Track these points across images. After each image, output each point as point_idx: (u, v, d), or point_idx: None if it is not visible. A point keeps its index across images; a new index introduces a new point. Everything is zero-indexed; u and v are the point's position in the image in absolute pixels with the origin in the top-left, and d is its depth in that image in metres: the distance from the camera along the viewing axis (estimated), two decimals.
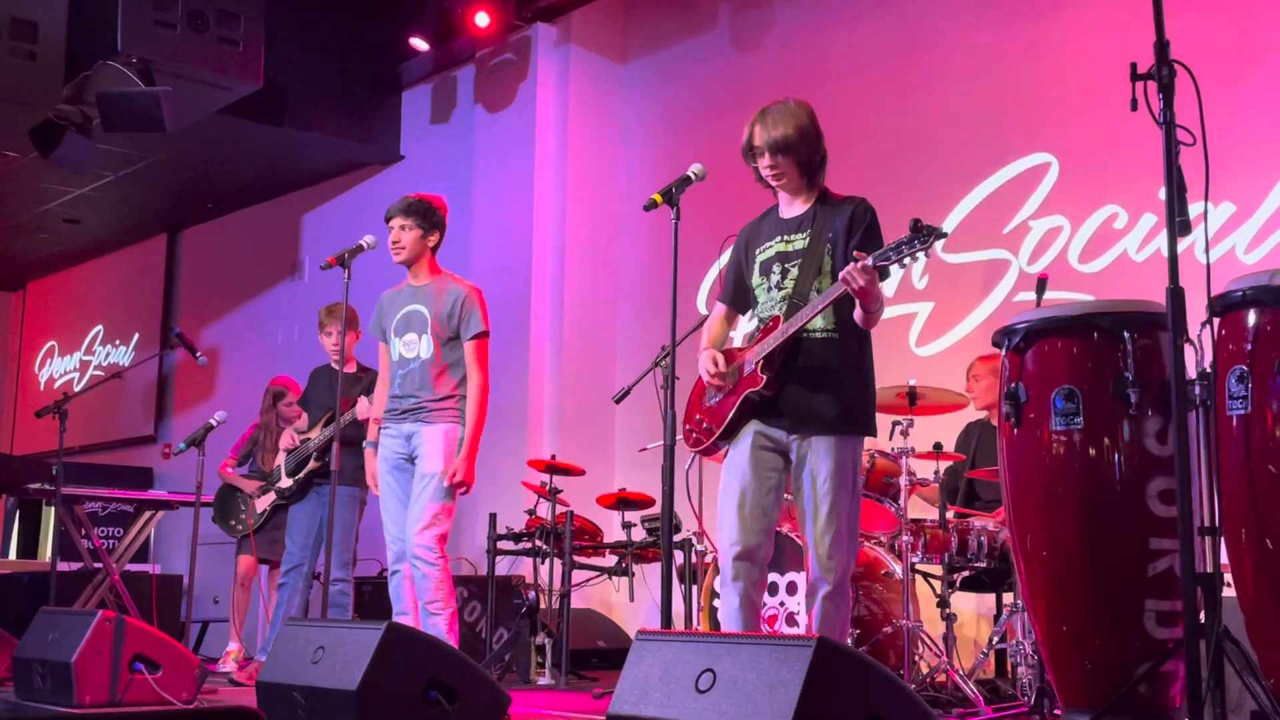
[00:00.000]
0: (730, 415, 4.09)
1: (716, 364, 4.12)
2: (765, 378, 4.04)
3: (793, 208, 4.24)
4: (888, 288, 7.54)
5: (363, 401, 6.49)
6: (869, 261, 3.80)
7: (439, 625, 5.16)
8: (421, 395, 5.43)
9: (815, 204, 4.19)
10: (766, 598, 5.83)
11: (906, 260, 3.75)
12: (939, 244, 3.88)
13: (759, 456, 4.11)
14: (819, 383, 4.04)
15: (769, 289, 4.19)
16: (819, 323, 4.03)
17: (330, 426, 6.72)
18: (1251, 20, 6.32)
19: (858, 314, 4.00)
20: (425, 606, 5.21)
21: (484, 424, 5.46)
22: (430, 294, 5.51)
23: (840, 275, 3.86)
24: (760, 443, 4.12)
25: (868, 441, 5.92)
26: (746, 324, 4.40)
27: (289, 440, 6.97)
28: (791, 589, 5.68)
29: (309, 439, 6.86)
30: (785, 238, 4.19)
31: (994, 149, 7.19)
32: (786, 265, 4.16)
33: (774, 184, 4.18)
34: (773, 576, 5.70)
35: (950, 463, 5.97)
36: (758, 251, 4.26)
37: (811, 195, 4.21)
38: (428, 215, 5.54)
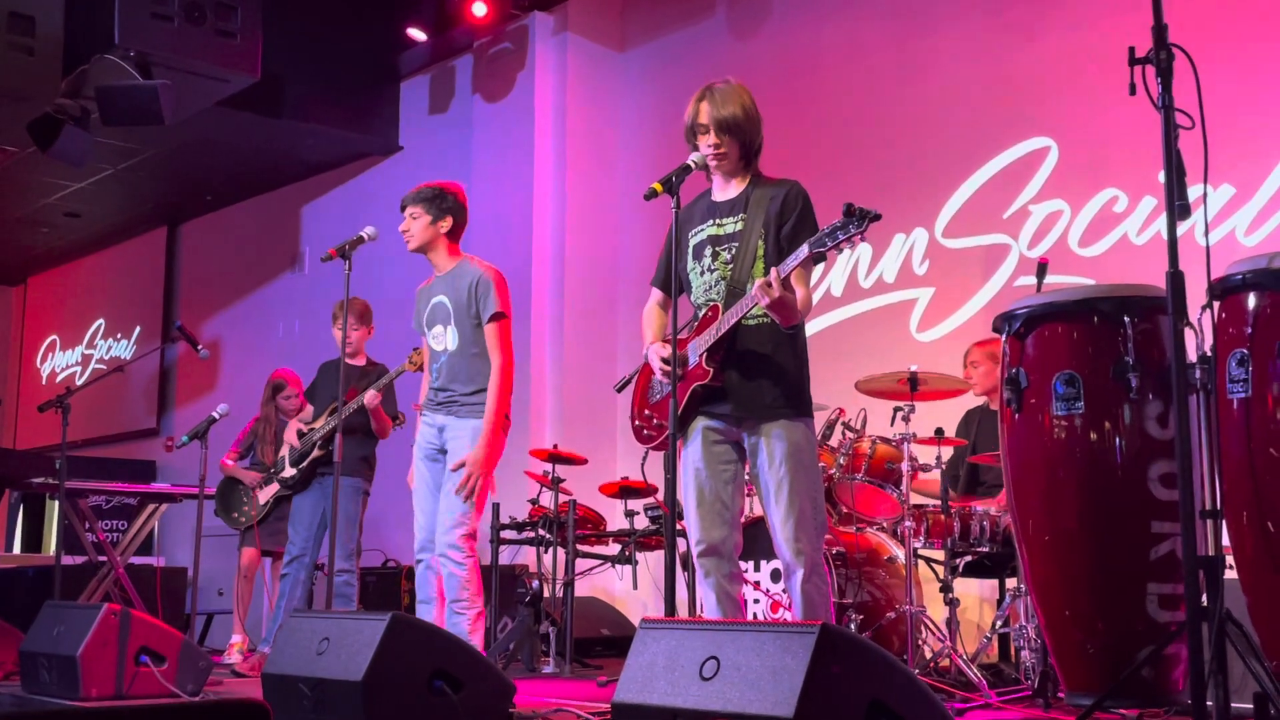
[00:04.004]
0: (680, 409, 4.10)
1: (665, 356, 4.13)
2: (711, 370, 4.07)
3: (726, 190, 4.25)
4: (888, 273, 7.56)
5: (370, 391, 6.51)
6: (776, 277, 3.82)
7: (462, 625, 5.13)
8: (453, 388, 5.34)
9: (749, 187, 4.21)
10: (770, 584, 5.84)
11: (843, 245, 3.74)
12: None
13: (711, 451, 4.14)
14: (759, 369, 4.07)
15: (701, 273, 4.22)
16: (755, 309, 4.03)
17: (334, 416, 6.74)
18: (1251, 2, 6.31)
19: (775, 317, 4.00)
20: (451, 605, 5.18)
21: (506, 408, 5.29)
22: (450, 282, 5.44)
23: (752, 291, 3.91)
24: (711, 438, 4.15)
25: (869, 427, 5.99)
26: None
27: (294, 435, 6.99)
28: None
29: (314, 428, 6.88)
30: (717, 221, 4.21)
31: (993, 133, 7.19)
32: (718, 249, 4.18)
33: (713, 163, 4.18)
34: (776, 564, 5.71)
35: (952, 449, 5.99)
36: (690, 235, 4.27)
37: (745, 178, 4.23)
38: (435, 201, 5.43)
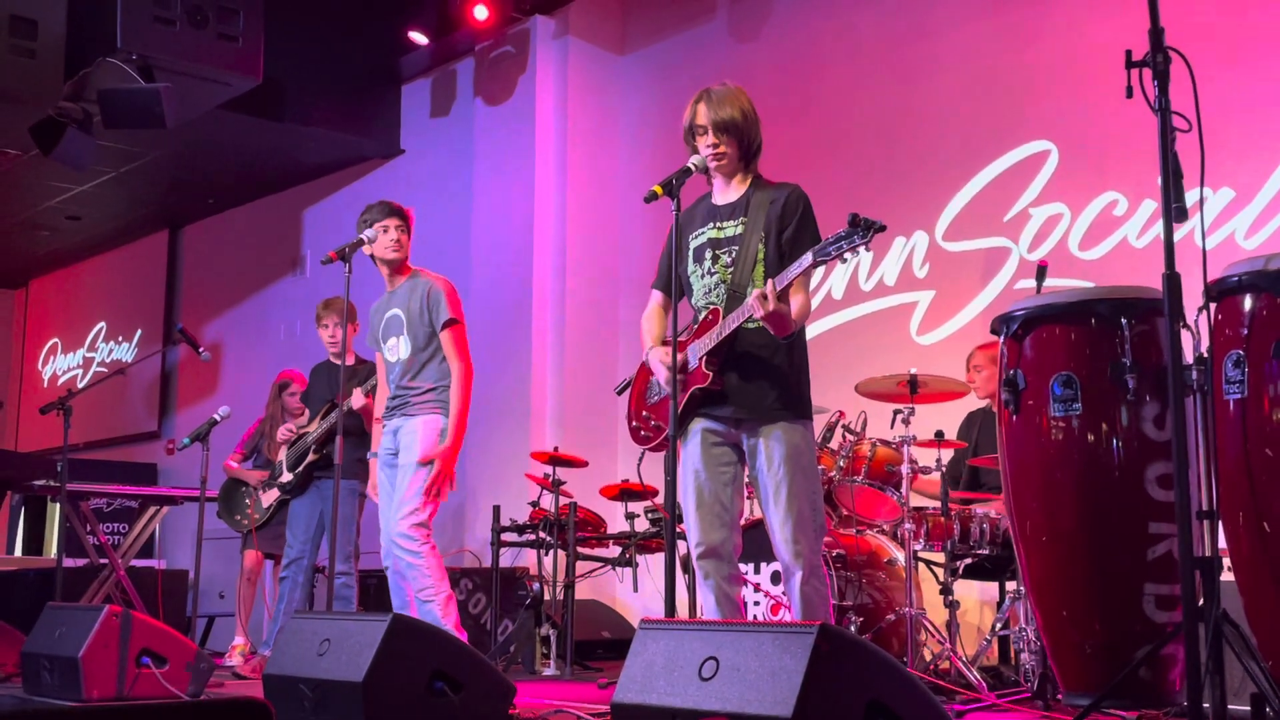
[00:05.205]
0: (679, 411, 4.12)
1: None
2: (710, 374, 4.08)
3: (726, 194, 4.26)
4: (889, 276, 7.57)
5: (357, 392, 6.53)
6: (772, 290, 3.84)
7: (433, 611, 5.21)
8: (404, 393, 5.54)
9: (749, 190, 4.22)
10: (770, 586, 5.85)
11: (846, 256, 3.75)
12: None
13: (710, 453, 4.16)
14: (759, 372, 4.08)
15: (702, 276, 4.23)
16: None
17: (328, 418, 6.77)
18: (1252, 4, 6.32)
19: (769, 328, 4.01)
20: (416, 595, 5.29)
21: (468, 411, 5.50)
22: (403, 295, 5.65)
23: (748, 301, 3.92)
24: (710, 440, 4.16)
25: (869, 430, 6.00)
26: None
27: (285, 433, 7.02)
28: None
29: (308, 433, 6.90)
30: (717, 224, 4.22)
31: (993, 137, 7.20)
32: (718, 252, 4.19)
33: (713, 164, 4.20)
34: (776, 566, 5.71)
35: (952, 451, 5.99)
36: (690, 238, 4.29)
37: (745, 180, 4.24)
38: (408, 220, 5.73)
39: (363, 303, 7.16)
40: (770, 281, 3.89)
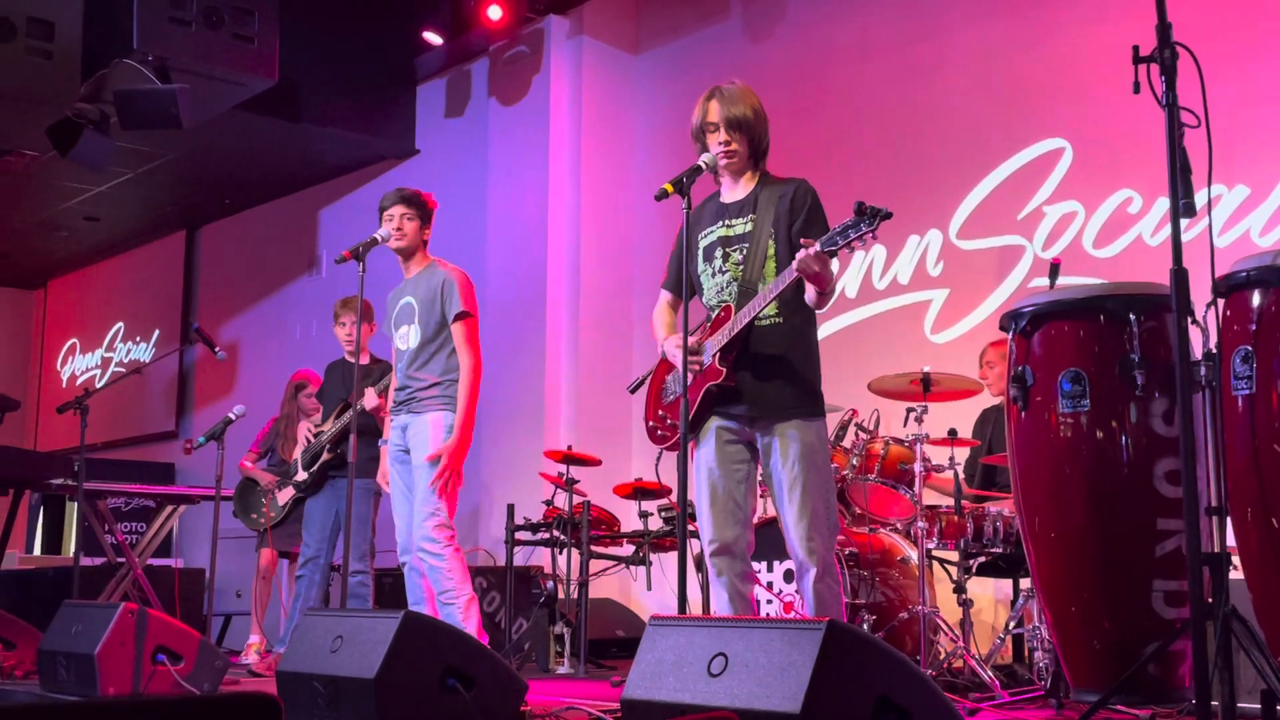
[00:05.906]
0: (693, 409, 4.13)
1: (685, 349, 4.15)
2: (724, 370, 4.09)
3: (735, 192, 4.28)
4: (903, 274, 7.57)
5: (370, 393, 6.55)
6: (818, 248, 3.82)
7: (455, 615, 5.20)
8: (411, 384, 5.51)
9: (757, 187, 4.23)
10: (783, 585, 5.86)
11: (855, 244, 3.76)
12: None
13: (725, 451, 4.17)
14: (773, 369, 4.09)
15: (713, 274, 4.24)
16: (767, 310, 4.06)
17: (342, 417, 6.79)
18: (1270, 2, 6.30)
19: (810, 296, 4.02)
20: (439, 597, 5.27)
21: (475, 406, 5.45)
22: (419, 284, 5.62)
23: (794, 265, 3.89)
24: (724, 437, 4.17)
25: (882, 428, 5.99)
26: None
27: (304, 435, 7.04)
28: None
29: (323, 431, 6.92)
30: (727, 222, 4.24)
31: (1007, 135, 7.19)
32: (728, 250, 4.20)
33: (723, 162, 4.21)
34: (788, 564, 5.72)
35: (967, 450, 5.98)
36: (700, 237, 4.30)
37: (754, 179, 4.26)
38: (423, 207, 5.69)
39: (379, 301, 7.20)
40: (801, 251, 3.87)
